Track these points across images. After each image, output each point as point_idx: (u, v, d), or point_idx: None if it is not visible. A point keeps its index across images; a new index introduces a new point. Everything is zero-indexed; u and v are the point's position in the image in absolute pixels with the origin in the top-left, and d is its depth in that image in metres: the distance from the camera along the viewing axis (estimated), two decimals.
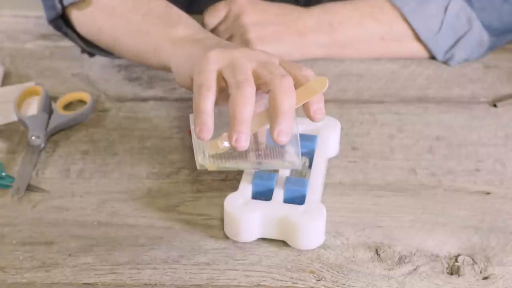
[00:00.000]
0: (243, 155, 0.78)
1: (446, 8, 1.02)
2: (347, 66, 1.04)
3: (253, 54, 0.80)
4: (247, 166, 0.79)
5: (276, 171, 0.82)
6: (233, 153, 0.77)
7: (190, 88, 0.82)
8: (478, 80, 1.02)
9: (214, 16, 1.03)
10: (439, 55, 1.04)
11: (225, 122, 0.76)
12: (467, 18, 1.02)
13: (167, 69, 0.88)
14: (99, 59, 1.05)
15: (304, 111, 0.78)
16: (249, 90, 0.75)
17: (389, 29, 1.03)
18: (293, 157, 0.78)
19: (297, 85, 0.77)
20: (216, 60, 0.78)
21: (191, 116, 0.78)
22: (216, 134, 0.76)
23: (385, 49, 1.05)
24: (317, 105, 0.78)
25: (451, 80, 1.02)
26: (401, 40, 1.04)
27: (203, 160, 0.78)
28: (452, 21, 1.03)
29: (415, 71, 1.04)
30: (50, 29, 1.06)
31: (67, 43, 1.07)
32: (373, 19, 1.03)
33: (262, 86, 0.77)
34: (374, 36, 1.04)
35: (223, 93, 0.78)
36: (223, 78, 0.78)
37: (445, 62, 1.05)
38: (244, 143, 0.74)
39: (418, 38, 1.04)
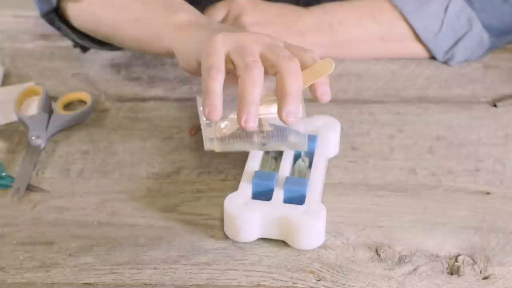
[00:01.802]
0: (248, 136, 0.78)
1: (446, 9, 1.02)
2: (346, 66, 1.04)
3: (259, 37, 0.80)
4: (253, 147, 0.80)
5: (278, 164, 0.82)
6: (241, 134, 0.78)
7: (194, 72, 0.83)
8: (478, 80, 1.02)
9: (214, 16, 1.03)
10: (439, 56, 1.04)
11: (230, 104, 0.76)
12: (467, 18, 1.03)
13: (170, 55, 0.88)
14: (99, 59, 1.05)
15: (311, 92, 0.78)
16: (258, 72, 0.76)
17: (389, 30, 1.03)
18: (298, 138, 0.78)
19: (303, 67, 0.77)
20: (224, 42, 0.78)
21: (199, 98, 0.78)
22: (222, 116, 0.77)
23: (385, 49, 1.05)
24: (324, 87, 0.78)
25: (451, 80, 1.02)
26: (401, 41, 1.04)
27: (211, 144, 0.78)
28: (452, 21, 1.03)
29: (415, 71, 1.04)
30: (50, 29, 1.06)
31: (67, 43, 1.07)
32: (373, 19, 1.03)
33: (268, 69, 0.77)
34: (374, 37, 1.04)
35: (229, 76, 0.78)
36: (231, 61, 0.78)
37: (445, 62, 1.05)
38: (252, 123, 0.75)
39: (418, 39, 1.04)
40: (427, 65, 1.05)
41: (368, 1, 1.04)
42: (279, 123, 0.77)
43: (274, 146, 0.80)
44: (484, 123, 0.95)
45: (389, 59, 1.05)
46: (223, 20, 1.03)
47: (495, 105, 0.98)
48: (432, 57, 1.05)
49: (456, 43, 1.03)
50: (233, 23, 1.02)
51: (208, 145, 0.79)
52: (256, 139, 0.78)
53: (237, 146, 0.79)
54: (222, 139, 0.78)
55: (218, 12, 1.03)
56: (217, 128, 0.78)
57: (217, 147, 0.79)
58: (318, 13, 1.04)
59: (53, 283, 0.75)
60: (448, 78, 1.03)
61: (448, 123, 0.95)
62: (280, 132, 0.78)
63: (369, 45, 1.05)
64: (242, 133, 0.78)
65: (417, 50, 1.05)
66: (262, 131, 0.78)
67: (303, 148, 0.80)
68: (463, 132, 0.93)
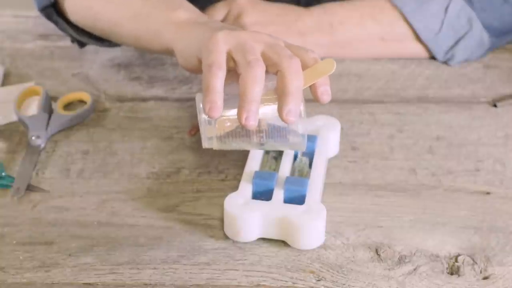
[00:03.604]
0: (247, 135, 0.78)
1: (446, 9, 1.02)
2: (347, 66, 1.04)
3: (260, 36, 0.80)
4: (252, 146, 0.80)
5: (278, 164, 0.82)
6: (240, 132, 0.78)
7: (194, 70, 0.83)
8: (478, 80, 1.02)
9: (214, 16, 1.03)
10: (440, 56, 1.04)
11: (230, 103, 0.76)
12: (468, 18, 1.03)
13: (169, 52, 0.88)
14: (99, 59, 1.05)
15: (311, 92, 0.78)
16: (260, 70, 0.75)
17: (389, 30, 1.03)
18: (298, 139, 0.78)
19: (304, 67, 0.77)
20: (226, 40, 0.78)
21: (198, 96, 0.78)
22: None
23: (385, 49, 1.05)
24: (324, 87, 0.78)
25: (451, 80, 1.02)
26: (402, 40, 1.04)
27: (209, 142, 0.78)
28: (452, 21, 1.03)
29: (415, 71, 1.04)
30: (50, 29, 1.06)
31: (67, 43, 1.07)
32: (374, 19, 1.03)
33: (269, 68, 0.77)
34: (374, 36, 1.04)
35: (229, 74, 0.78)
36: (232, 59, 0.78)
37: (445, 62, 1.05)
38: (253, 121, 0.74)
39: (418, 38, 1.04)
40: (427, 65, 1.05)
41: (369, 1, 1.04)
42: (278, 122, 0.76)
43: (272, 146, 0.79)
44: (484, 123, 0.95)
45: (389, 59, 1.05)
46: (223, 20, 1.03)
47: (495, 105, 0.98)
48: (432, 57, 1.05)
49: (456, 43, 1.03)
50: (233, 23, 1.02)
51: (206, 143, 0.79)
52: (255, 138, 0.78)
53: (236, 145, 0.79)
54: (220, 137, 0.78)
55: (218, 12, 1.03)
56: (216, 126, 0.78)
57: (215, 145, 0.79)
58: (319, 13, 1.04)
59: (53, 283, 0.75)
60: (448, 78, 1.03)
61: (448, 123, 0.95)
62: (279, 131, 0.78)
63: (369, 45, 1.05)
64: (241, 132, 0.78)
65: (417, 50, 1.05)
66: (261, 130, 0.78)
67: (302, 149, 0.80)
68: (463, 132, 0.93)
